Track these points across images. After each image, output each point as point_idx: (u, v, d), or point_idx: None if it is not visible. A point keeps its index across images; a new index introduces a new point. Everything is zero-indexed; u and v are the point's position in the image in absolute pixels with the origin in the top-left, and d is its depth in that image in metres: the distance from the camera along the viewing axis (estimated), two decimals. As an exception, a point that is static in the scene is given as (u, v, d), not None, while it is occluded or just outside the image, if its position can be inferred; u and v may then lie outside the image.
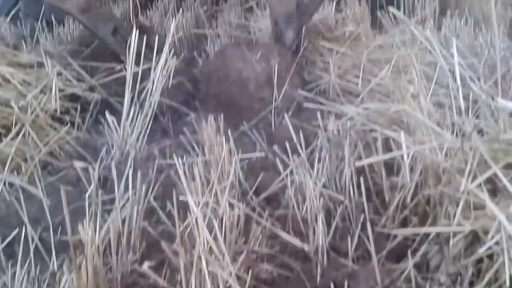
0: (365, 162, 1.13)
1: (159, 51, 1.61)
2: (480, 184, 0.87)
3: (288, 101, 1.72)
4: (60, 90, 1.57)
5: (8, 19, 2.10)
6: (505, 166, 0.90)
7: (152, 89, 1.46)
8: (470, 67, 1.58)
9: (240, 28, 2.51)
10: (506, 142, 0.92)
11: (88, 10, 1.74)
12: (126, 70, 1.45)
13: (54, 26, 2.47)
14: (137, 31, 1.73)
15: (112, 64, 1.72)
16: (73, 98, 1.65)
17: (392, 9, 1.69)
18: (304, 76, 1.88)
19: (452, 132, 1.16)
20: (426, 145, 1.03)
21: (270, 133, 1.70)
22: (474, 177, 0.89)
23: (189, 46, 2.50)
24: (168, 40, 1.53)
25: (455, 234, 0.87)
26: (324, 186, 1.29)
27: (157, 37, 1.62)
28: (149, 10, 2.85)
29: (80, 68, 1.71)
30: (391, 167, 1.28)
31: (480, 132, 1.15)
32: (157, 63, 1.49)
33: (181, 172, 1.09)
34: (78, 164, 1.30)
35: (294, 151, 1.44)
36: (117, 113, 1.66)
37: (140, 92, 1.49)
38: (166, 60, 1.50)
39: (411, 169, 1.17)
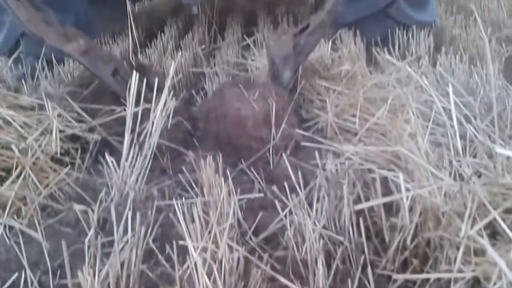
0: (364, 205, 1.13)
1: (159, 91, 1.64)
2: (480, 229, 0.87)
3: (286, 140, 1.73)
4: (61, 131, 1.58)
5: (10, 61, 2.12)
6: (504, 211, 0.90)
7: (151, 130, 1.47)
8: (466, 105, 1.60)
9: (237, 66, 2.56)
10: (505, 186, 0.93)
11: (88, 53, 1.76)
12: (126, 111, 1.46)
13: (54, 65, 2.51)
14: (137, 72, 1.77)
15: (112, 106, 1.74)
16: (73, 138, 1.66)
17: (387, 56, 1.72)
18: (302, 114, 1.90)
19: (450, 174, 1.16)
20: (425, 189, 1.03)
21: (268, 171, 1.71)
22: (474, 221, 0.89)
23: (187, 85, 2.53)
24: (167, 83, 1.55)
25: (456, 280, 0.87)
26: (323, 226, 1.29)
27: (156, 79, 1.63)
28: (148, 48, 2.90)
29: (80, 109, 1.72)
30: (390, 207, 1.28)
31: (478, 172, 1.16)
32: (156, 105, 1.51)
33: (180, 216, 1.09)
34: (78, 207, 1.30)
35: (293, 190, 1.45)
36: (116, 153, 1.67)
37: (139, 133, 1.51)
38: (165, 102, 1.52)
39: (411, 209, 1.17)
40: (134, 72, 1.49)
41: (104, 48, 2.47)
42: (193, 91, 2.31)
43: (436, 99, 1.39)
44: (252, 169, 1.71)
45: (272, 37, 1.89)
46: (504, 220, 0.86)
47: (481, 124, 1.45)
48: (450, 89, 1.37)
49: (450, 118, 1.36)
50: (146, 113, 1.63)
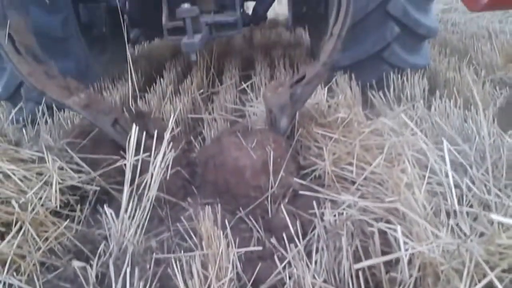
0: (365, 264, 1.13)
1: (158, 139, 1.66)
2: (478, 289, 0.87)
3: (284, 188, 1.74)
4: (60, 182, 1.59)
5: (13, 112, 2.14)
6: (502, 270, 0.91)
7: (150, 182, 1.48)
8: (461, 152, 1.62)
9: (235, 112, 2.59)
10: (501, 246, 0.93)
11: (89, 106, 1.79)
12: (125, 165, 1.48)
13: (54, 111, 2.54)
14: (137, 120, 1.80)
15: (112, 155, 1.75)
16: (73, 188, 1.67)
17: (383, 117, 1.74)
18: (299, 161, 1.91)
19: (448, 229, 1.17)
20: (425, 247, 1.04)
21: (267, 220, 1.71)
22: (472, 280, 0.90)
23: (186, 130, 2.56)
24: (166, 135, 1.57)
25: None
26: (324, 280, 1.28)
27: (156, 130, 1.65)
28: (148, 93, 2.94)
29: (80, 158, 1.74)
30: (389, 260, 1.28)
31: (475, 230, 1.16)
32: (155, 156, 1.53)
33: (179, 275, 1.09)
34: (76, 263, 1.30)
35: (291, 240, 1.45)
36: (115, 202, 1.68)
37: (138, 185, 1.52)
38: (164, 153, 1.54)
39: (409, 262, 1.17)
40: (134, 125, 1.51)
41: (104, 99, 2.49)
42: (192, 137, 2.34)
43: (431, 155, 1.41)
44: (250, 217, 1.71)
45: (269, 88, 1.92)
46: (502, 280, 0.86)
47: (477, 173, 1.47)
48: (445, 147, 1.39)
49: (446, 176, 1.37)
50: (146, 162, 1.65)
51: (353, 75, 2.75)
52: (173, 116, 1.70)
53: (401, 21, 2.71)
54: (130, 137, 1.51)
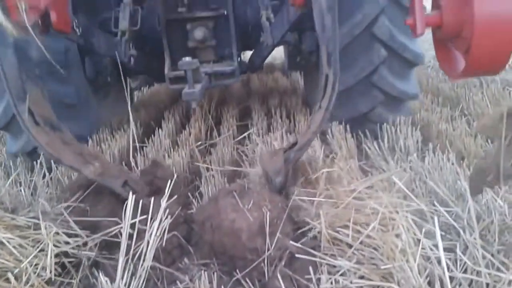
0: None
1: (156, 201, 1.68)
2: None
3: (281, 251, 1.75)
4: (56, 247, 1.59)
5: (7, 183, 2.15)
6: None
7: (146, 251, 1.48)
8: (453, 215, 1.63)
9: (233, 163, 2.63)
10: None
11: (103, 174, 1.92)
12: (121, 234, 1.49)
13: (52, 167, 2.56)
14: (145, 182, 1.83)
15: (109, 219, 1.77)
16: (68, 255, 1.67)
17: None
18: (295, 221, 1.92)
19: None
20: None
21: (263, 283, 1.71)
22: None
23: (184, 183, 2.58)
24: (163, 204, 1.59)
25: None
26: None
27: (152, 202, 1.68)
28: (146, 145, 2.97)
29: (78, 222, 1.75)
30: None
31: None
32: (151, 226, 1.54)
33: None
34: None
35: (289, 307, 1.45)
36: (111, 270, 1.68)
37: (134, 254, 1.52)
38: (160, 221, 1.55)
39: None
40: (130, 196, 1.54)
41: (113, 164, 2.54)
42: (189, 193, 2.36)
43: (424, 218, 1.43)
44: (247, 279, 1.71)
45: (264, 155, 2.01)
46: None
47: (469, 237, 1.48)
48: (436, 225, 1.39)
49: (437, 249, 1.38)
50: (143, 224, 1.66)
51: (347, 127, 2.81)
52: (170, 184, 1.72)
53: (388, 44, 2.72)
54: (126, 205, 1.53)
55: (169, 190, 1.69)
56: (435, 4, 1.84)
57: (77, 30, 2.26)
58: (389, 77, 2.84)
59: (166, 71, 2.95)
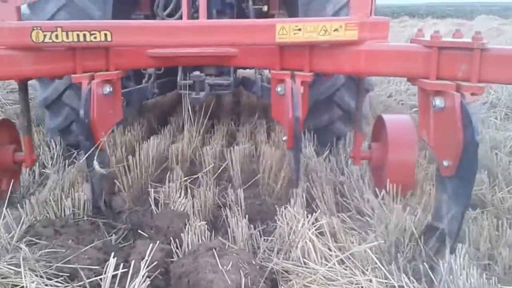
0: None
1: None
2: None
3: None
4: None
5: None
6: None
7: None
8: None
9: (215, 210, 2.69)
10: None
11: None
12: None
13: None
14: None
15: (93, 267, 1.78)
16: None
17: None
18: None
19: None
20: None
21: None
22: None
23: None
24: (142, 270, 1.61)
25: None
26: None
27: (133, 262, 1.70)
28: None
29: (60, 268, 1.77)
30: None
31: None
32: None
33: None
34: None
35: None
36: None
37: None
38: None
39: None
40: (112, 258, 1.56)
41: None
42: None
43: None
44: None
45: None
46: None
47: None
48: None
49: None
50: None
51: None
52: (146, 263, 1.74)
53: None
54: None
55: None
56: (372, 141, 3.07)
57: None
58: (346, 97, 3.58)
59: (178, 79, 3.73)
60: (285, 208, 2.34)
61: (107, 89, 2.59)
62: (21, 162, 2.80)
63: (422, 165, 3.28)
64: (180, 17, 3.18)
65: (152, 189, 2.76)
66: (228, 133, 4.25)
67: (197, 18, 2.80)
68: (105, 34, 2.43)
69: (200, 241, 2.22)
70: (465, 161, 2.02)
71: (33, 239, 2.07)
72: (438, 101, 2.16)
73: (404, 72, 2.44)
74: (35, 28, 2.38)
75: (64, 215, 2.50)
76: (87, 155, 2.38)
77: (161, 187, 2.79)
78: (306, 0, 3.48)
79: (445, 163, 2.11)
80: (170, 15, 3.75)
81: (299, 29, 2.45)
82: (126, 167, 2.93)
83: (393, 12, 39.18)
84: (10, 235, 2.06)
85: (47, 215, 2.46)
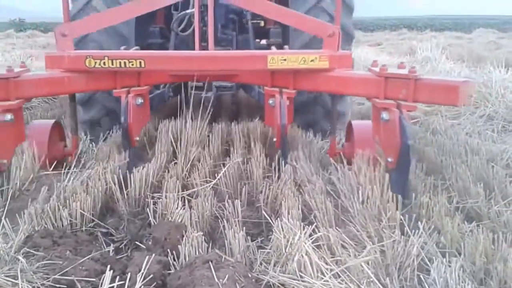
0: None
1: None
2: None
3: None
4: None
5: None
6: None
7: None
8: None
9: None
10: None
11: None
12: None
13: None
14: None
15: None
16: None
17: None
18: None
19: None
20: None
21: None
22: None
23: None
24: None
25: None
26: None
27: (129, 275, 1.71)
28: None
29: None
30: None
31: None
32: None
33: None
34: None
35: None
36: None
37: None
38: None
39: None
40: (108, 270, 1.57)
41: None
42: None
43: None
44: None
45: None
46: None
47: None
48: None
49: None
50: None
51: None
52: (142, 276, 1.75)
53: None
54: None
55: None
56: (345, 141, 3.85)
57: None
58: (328, 99, 4.07)
59: (190, 82, 4.06)
60: (281, 220, 2.36)
61: (139, 100, 3.45)
62: (68, 155, 3.67)
63: (420, 177, 3.31)
64: (191, 32, 4.16)
65: (151, 200, 2.78)
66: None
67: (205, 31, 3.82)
68: (140, 62, 3.25)
69: (197, 253, 2.23)
70: (402, 158, 2.81)
71: (31, 250, 2.07)
72: (385, 115, 2.94)
73: (362, 93, 3.37)
74: (88, 56, 3.24)
75: (62, 225, 2.51)
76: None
77: (159, 198, 2.81)
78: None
79: (389, 159, 2.92)
80: (183, 30, 4.42)
81: (285, 59, 3.30)
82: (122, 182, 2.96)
83: (392, 24, 39.48)
84: (9, 246, 2.08)
85: (45, 225, 2.48)
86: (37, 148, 3.44)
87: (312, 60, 3.27)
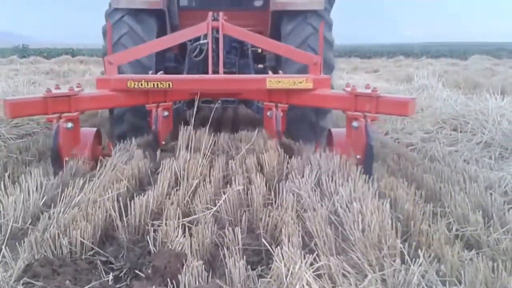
0: None
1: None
2: None
3: None
4: None
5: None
6: None
7: None
8: None
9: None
10: None
11: None
12: None
13: None
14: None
15: None
16: None
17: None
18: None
19: None
20: None
21: None
22: None
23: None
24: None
25: None
26: None
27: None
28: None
29: None
30: None
31: None
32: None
33: None
34: None
35: None
36: None
37: None
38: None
39: None
40: None
41: None
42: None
43: None
44: None
45: None
46: None
47: None
48: None
49: None
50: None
51: None
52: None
53: None
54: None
55: None
56: (327, 145, 4.61)
57: None
58: (313, 116, 5.38)
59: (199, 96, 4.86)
60: (281, 248, 2.36)
61: (165, 113, 4.64)
62: (105, 156, 4.19)
63: (419, 204, 3.30)
64: (202, 58, 5.35)
65: (151, 227, 2.78)
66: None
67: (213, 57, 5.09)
68: (168, 84, 4.42)
69: (197, 282, 2.23)
70: (366, 155, 3.94)
71: (31, 280, 2.06)
72: (355, 123, 4.09)
73: (338, 107, 4.53)
74: (129, 80, 4.41)
75: (62, 254, 2.50)
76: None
77: (159, 225, 2.81)
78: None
79: (358, 156, 3.99)
80: (195, 56, 5.47)
81: (280, 81, 4.51)
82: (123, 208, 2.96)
83: (389, 52, 39.97)
84: (8, 275, 2.07)
85: (45, 253, 2.47)
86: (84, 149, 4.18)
87: (300, 82, 4.46)
